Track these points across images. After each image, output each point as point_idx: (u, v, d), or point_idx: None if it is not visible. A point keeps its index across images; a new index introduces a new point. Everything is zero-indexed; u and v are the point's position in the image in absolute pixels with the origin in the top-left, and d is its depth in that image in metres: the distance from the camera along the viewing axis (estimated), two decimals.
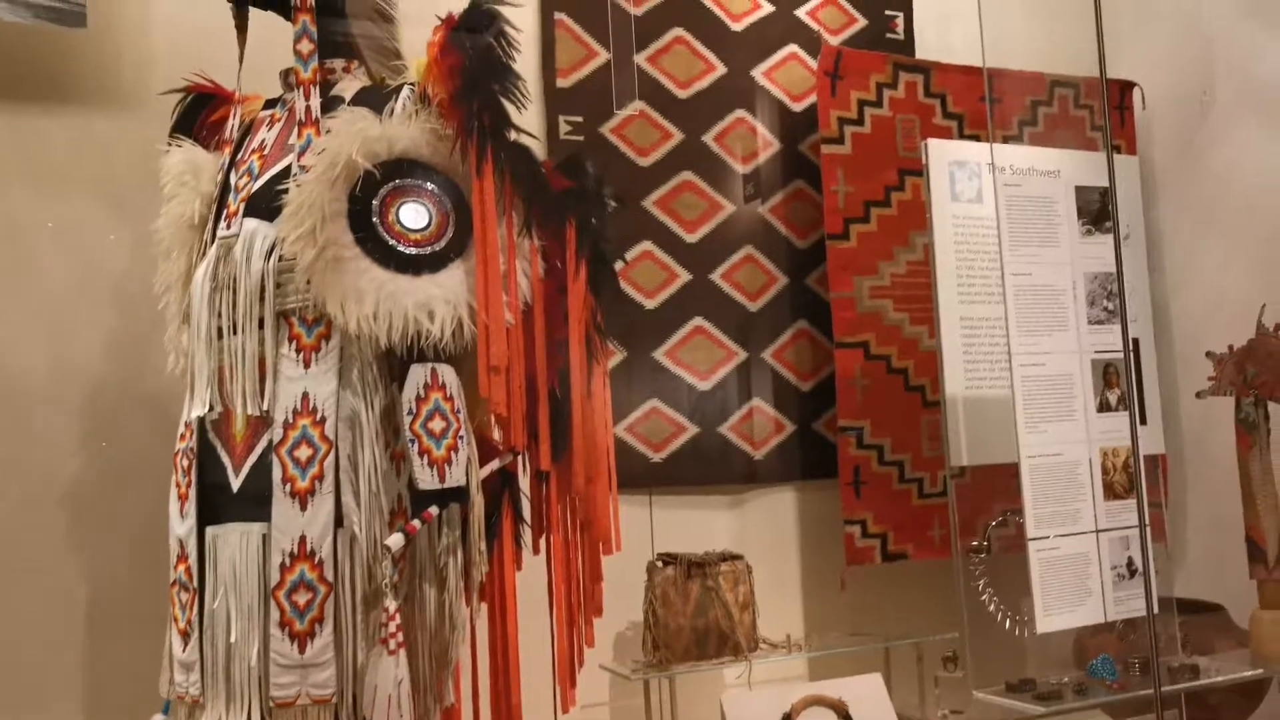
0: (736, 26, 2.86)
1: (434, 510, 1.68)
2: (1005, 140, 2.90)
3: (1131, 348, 2.71)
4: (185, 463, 1.75)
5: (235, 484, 1.70)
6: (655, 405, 2.68)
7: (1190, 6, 3.06)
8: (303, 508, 1.63)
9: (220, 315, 1.72)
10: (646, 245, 2.71)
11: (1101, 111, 3.00)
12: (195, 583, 1.70)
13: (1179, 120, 3.09)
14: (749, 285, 2.81)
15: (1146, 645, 2.39)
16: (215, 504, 1.72)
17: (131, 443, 2.21)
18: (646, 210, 2.72)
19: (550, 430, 1.79)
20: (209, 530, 1.71)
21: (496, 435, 1.85)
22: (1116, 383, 2.57)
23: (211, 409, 1.73)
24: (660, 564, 2.41)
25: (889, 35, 3.05)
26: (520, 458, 1.84)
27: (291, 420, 1.66)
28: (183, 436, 1.78)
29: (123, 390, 2.23)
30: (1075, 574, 2.44)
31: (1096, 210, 2.64)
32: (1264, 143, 2.86)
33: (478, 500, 1.73)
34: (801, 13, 2.94)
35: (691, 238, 2.76)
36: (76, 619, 2.18)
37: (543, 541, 1.89)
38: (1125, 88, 3.11)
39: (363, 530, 1.65)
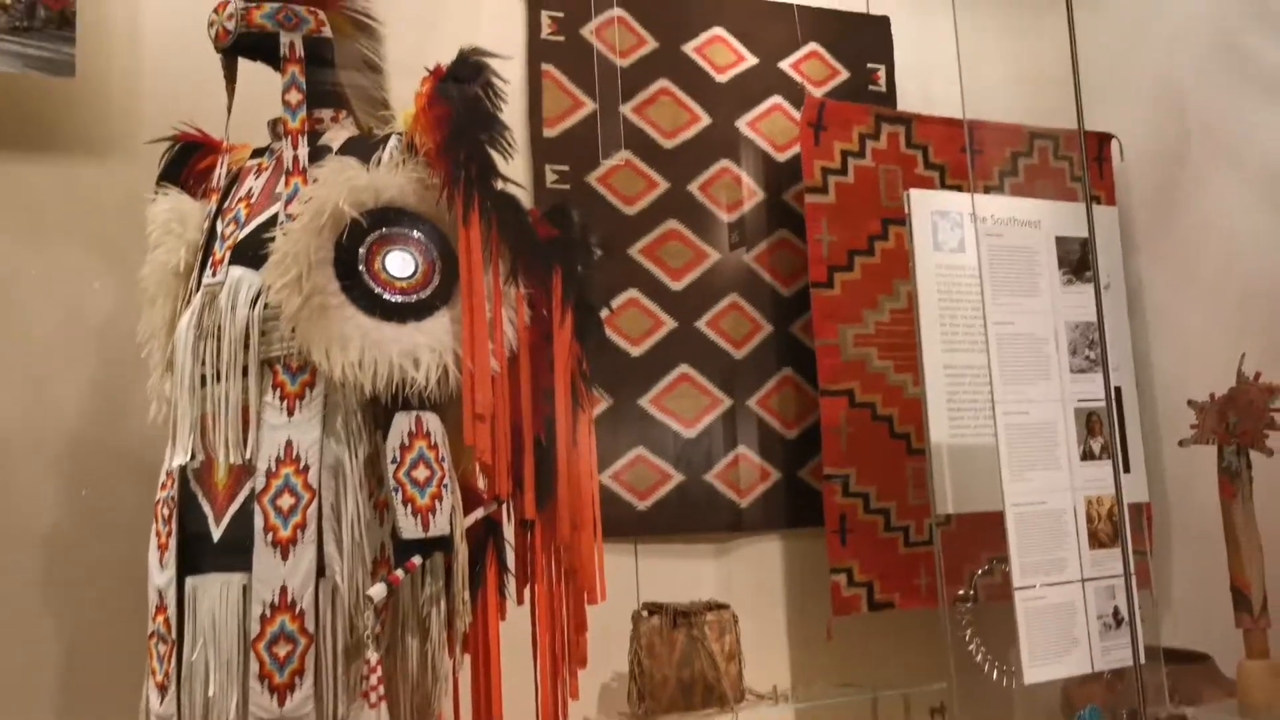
0: (721, 78, 2.90)
1: (417, 560, 1.67)
2: (986, 191, 2.94)
3: (1114, 396, 2.72)
4: (166, 512, 1.74)
5: (216, 533, 1.68)
6: (640, 453, 2.67)
7: (1165, 61, 3.12)
8: (284, 557, 1.62)
9: (204, 363, 1.72)
10: (632, 293, 2.72)
11: (1080, 163, 3.05)
12: (174, 634, 1.68)
13: (1157, 172, 3.14)
14: (734, 333, 2.82)
15: (1134, 695, 2.37)
16: (195, 554, 1.70)
17: (112, 491, 2.18)
18: (632, 258, 2.73)
19: (535, 478, 1.78)
20: (189, 580, 1.69)
21: (481, 483, 1.84)
22: (1100, 431, 2.58)
23: (193, 457, 1.71)
24: (645, 614, 2.38)
25: (871, 87, 3.10)
26: (505, 506, 1.83)
27: (274, 469, 1.65)
28: (164, 485, 1.76)
29: (103, 438, 2.21)
30: (1062, 623, 2.43)
31: (1077, 260, 2.67)
32: (1239, 193, 2.91)
33: (462, 549, 1.72)
34: (785, 65, 2.99)
35: (677, 285, 2.77)
36: (51, 670, 2.14)
37: (527, 591, 1.88)
38: (1103, 140, 3.16)
39: (345, 580, 1.63)
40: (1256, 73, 2.89)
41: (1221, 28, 2.98)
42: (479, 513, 1.79)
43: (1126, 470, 2.79)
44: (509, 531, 1.88)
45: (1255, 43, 2.90)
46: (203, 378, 1.72)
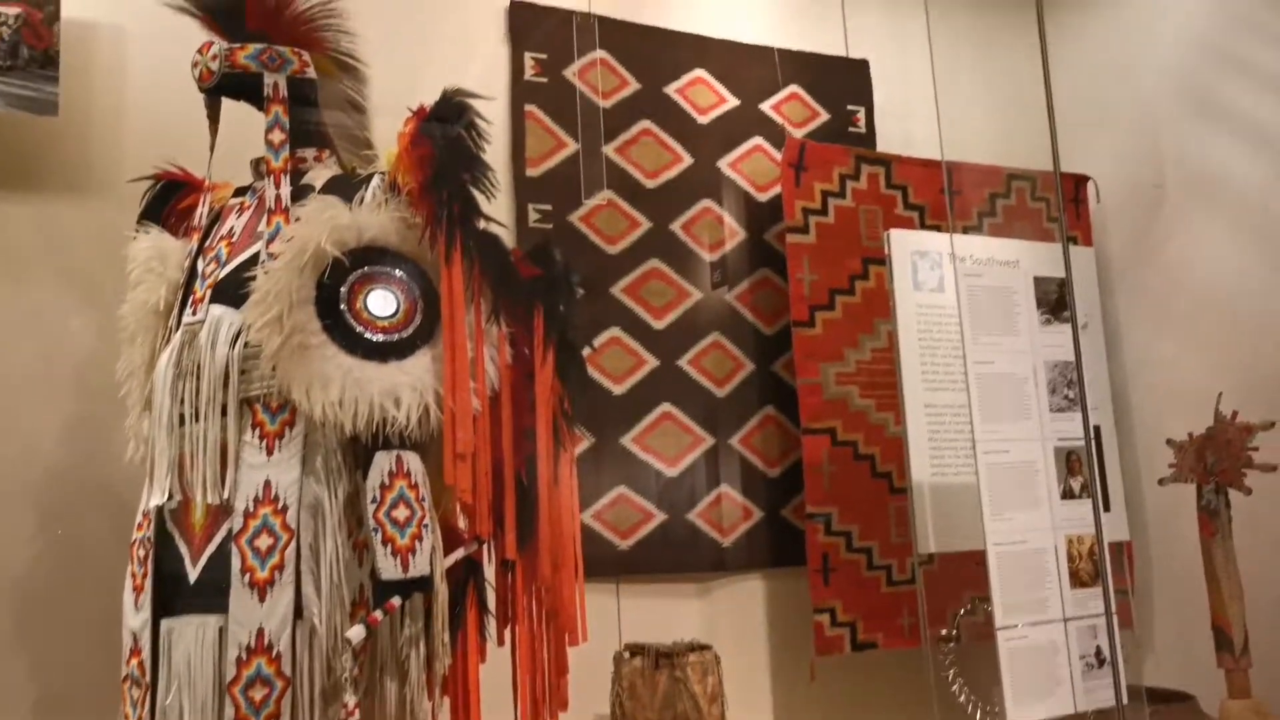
0: (703, 119, 2.93)
1: (396, 601, 1.65)
2: (965, 231, 2.97)
3: (1093, 435, 2.74)
4: (142, 553, 1.71)
5: (193, 575, 1.66)
6: (623, 492, 2.67)
7: (1141, 105, 3.18)
8: (261, 599, 1.60)
9: (183, 402, 1.71)
10: (615, 331, 2.73)
11: (1057, 204, 3.09)
12: (148, 678, 1.65)
13: (1132, 213, 3.18)
14: (716, 371, 2.82)
15: None
16: (171, 595, 1.68)
17: (88, 532, 2.16)
18: (615, 297, 2.74)
19: (516, 518, 1.77)
20: (164, 622, 1.67)
21: (462, 523, 1.83)
22: (1079, 470, 2.59)
23: (171, 497, 1.70)
24: (627, 655, 2.37)
25: (851, 129, 3.14)
26: (486, 546, 1.82)
27: (252, 509, 1.63)
28: (140, 526, 1.74)
29: (81, 478, 2.19)
30: (1044, 663, 2.43)
31: (1055, 300, 2.69)
32: (1214, 234, 2.95)
33: (441, 590, 1.70)
34: (766, 107, 3.02)
35: (659, 324, 2.78)
36: (22, 713, 2.10)
37: (507, 632, 1.86)
38: (1079, 181, 3.21)
39: (323, 622, 1.62)
40: (1229, 116, 2.94)
41: (1194, 74, 3.04)
42: (459, 553, 1.78)
43: (1107, 509, 2.80)
44: (490, 572, 1.87)
45: (1227, 88, 2.96)
46: (181, 417, 1.71)
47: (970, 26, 3.36)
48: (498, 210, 1.87)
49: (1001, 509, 2.45)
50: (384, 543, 1.62)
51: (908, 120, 3.15)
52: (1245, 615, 2.40)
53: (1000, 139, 3.21)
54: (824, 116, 3.10)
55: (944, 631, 2.56)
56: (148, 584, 1.69)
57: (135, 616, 1.69)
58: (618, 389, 2.71)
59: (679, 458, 2.74)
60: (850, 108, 3.15)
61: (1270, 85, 2.85)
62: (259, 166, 1.85)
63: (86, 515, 2.17)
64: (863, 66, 3.19)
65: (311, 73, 1.87)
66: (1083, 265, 3.05)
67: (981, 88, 3.31)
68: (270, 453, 1.66)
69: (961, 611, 2.58)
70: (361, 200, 1.76)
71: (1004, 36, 3.34)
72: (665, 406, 2.75)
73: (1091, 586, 2.52)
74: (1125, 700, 2.31)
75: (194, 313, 1.76)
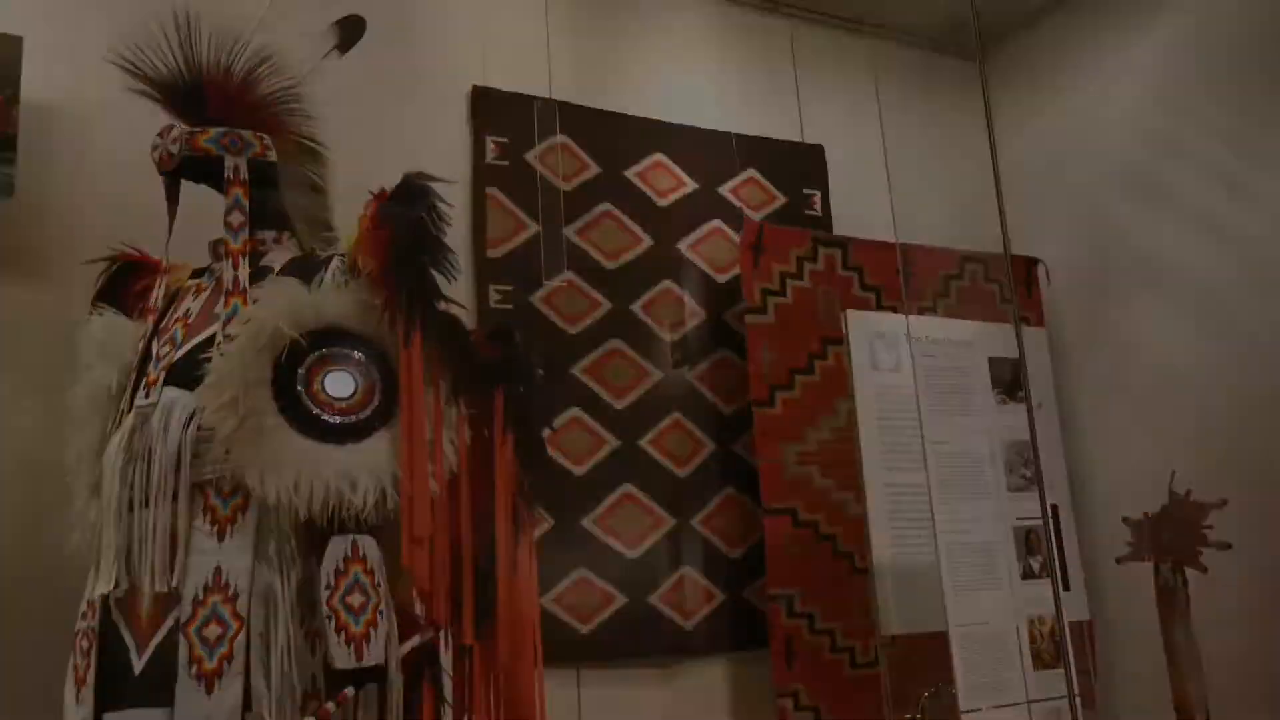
0: (662, 202, 2.98)
1: (350, 691, 1.60)
2: (920, 312, 3.02)
3: (1051, 514, 2.76)
4: (85, 644, 1.66)
5: (138, 666, 1.60)
6: (583, 575, 2.63)
7: (1087, 189, 3.27)
8: (209, 691, 1.55)
9: (132, 487, 1.66)
10: (575, 412, 2.72)
11: (1009, 286, 3.15)
12: None
13: (1082, 294, 3.25)
14: (677, 451, 2.82)
15: None
16: (115, 688, 1.61)
17: (29, 621, 2.08)
18: (575, 377, 2.74)
19: (474, 603, 1.74)
20: (106, 717, 1.60)
21: (419, 609, 1.79)
22: (1039, 549, 2.60)
23: (118, 585, 1.64)
24: None
25: (808, 212, 3.20)
26: (442, 633, 1.78)
27: (202, 597, 1.59)
28: (84, 615, 1.68)
29: (23, 565, 2.12)
30: None
31: (1009, 380, 2.73)
32: (1162, 314, 3.02)
33: (396, 679, 1.66)
34: (724, 190, 3.07)
35: (620, 404, 2.78)
36: None
37: None
38: (1030, 264, 3.28)
39: (272, 715, 1.56)
40: (1173, 201, 3.04)
41: (1139, 159, 3.14)
42: (415, 640, 1.73)
43: (1066, 588, 2.81)
44: (447, 660, 1.82)
45: (1171, 173, 3.06)
46: (130, 502, 1.66)
47: (922, 113, 3.46)
48: (458, 291, 1.87)
49: (963, 590, 2.45)
50: (337, 630, 1.59)
51: (863, 203, 3.21)
52: (1207, 694, 2.40)
53: (953, 222, 3.28)
54: (781, 199, 3.16)
55: (908, 716, 2.53)
56: (90, 677, 1.62)
57: (76, 712, 1.63)
58: (578, 470, 2.69)
59: (640, 539, 2.72)
60: (806, 191, 3.22)
61: (1211, 171, 2.95)
62: (217, 248, 1.84)
63: (28, 604, 2.09)
64: (818, 151, 3.26)
65: (273, 155, 1.87)
66: (1035, 346, 3.10)
67: (934, 172, 3.39)
68: (221, 538, 1.62)
69: (926, 695, 2.55)
70: (321, 281, 1.75)
71: (954, 123, 3.43)
72: (626, 487, 2.73)
73: (1054, 667, 2.51)
74: None
75: (146, 395, 1.73)
